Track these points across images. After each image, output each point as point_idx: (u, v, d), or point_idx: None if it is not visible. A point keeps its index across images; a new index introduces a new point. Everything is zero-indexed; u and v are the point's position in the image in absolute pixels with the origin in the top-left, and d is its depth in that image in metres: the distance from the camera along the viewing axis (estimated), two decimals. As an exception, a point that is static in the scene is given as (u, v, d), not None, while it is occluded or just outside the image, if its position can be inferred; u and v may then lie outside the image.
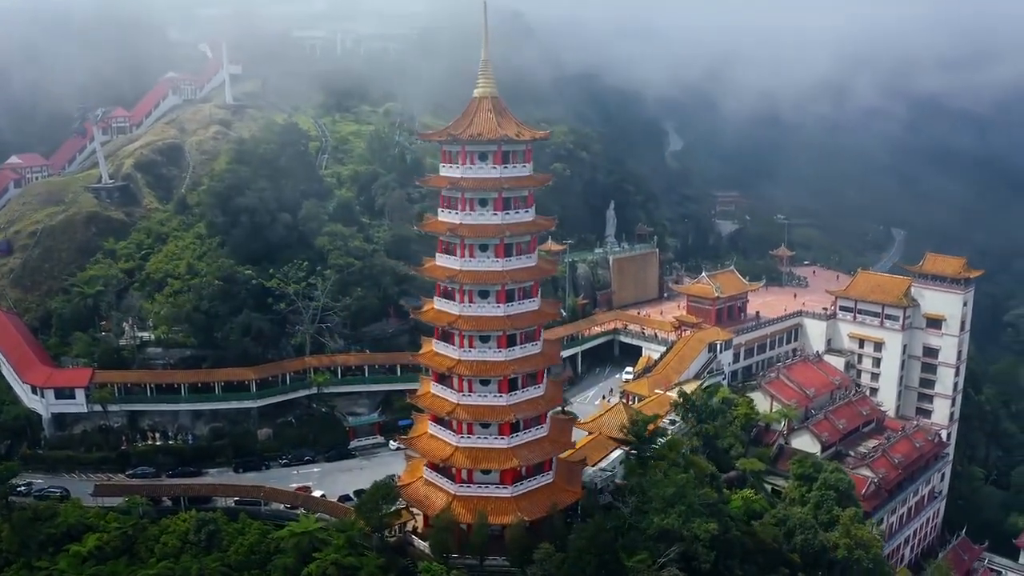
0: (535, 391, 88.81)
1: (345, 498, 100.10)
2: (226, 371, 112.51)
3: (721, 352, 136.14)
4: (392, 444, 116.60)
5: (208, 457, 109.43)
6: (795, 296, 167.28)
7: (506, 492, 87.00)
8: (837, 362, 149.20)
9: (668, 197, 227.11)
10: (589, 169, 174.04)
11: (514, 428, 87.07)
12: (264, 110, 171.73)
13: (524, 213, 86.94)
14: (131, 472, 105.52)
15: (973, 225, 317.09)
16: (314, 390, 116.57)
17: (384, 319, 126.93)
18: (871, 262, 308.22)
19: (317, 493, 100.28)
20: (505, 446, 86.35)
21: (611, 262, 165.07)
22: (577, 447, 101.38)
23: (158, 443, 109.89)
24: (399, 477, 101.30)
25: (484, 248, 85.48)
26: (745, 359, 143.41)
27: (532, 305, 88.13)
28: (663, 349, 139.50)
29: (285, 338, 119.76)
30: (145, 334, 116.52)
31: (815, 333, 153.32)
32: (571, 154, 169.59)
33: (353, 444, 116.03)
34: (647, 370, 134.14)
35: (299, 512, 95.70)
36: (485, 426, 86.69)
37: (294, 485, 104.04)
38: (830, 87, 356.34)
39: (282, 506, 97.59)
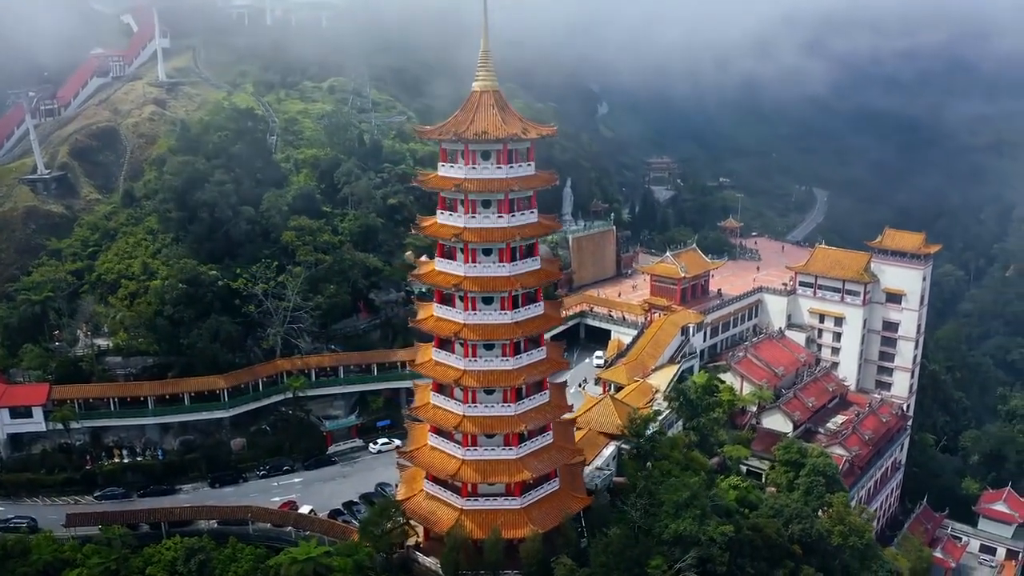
0: (541, 398, 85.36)
1: (336, 512, 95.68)
2: (195, 380, 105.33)
3: (694, 335, 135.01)
4: (372, 447, 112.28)
5: (180, 472, 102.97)
6: (758, 269, 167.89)
7: (516, 504, 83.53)
8: (798, 337, 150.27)
9: (608, 166, 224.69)
10: (545, 147, 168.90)
11: (521, 438, 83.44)
12: (199, 87, 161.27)
13: (530, 215, 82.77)
14: (99, 494, 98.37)
15: (895, 186, 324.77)
16: (288, 395, 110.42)
17: (354, 315, 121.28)
18: (795, 223, 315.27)
19: (305, 508, 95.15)
20: (514, 457, 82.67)
21: (570, 241, 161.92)
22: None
23: (125, 460, 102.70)
24: (396, 490, 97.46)
25: (488, 252, 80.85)
26: (711, 338, 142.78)
27: (537, 310, 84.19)
28: (633, 332, 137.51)
29: (252, 340, 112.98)
30: (102, 341, 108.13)
31: (776, 309, 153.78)
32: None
33: (332, 449, 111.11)
34: (620, 355, 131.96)
35: (289, 530, 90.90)
36: (490, 436, 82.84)
37: (276, 499, 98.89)
38: (753, 45, 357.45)
39: (269, 524, 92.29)
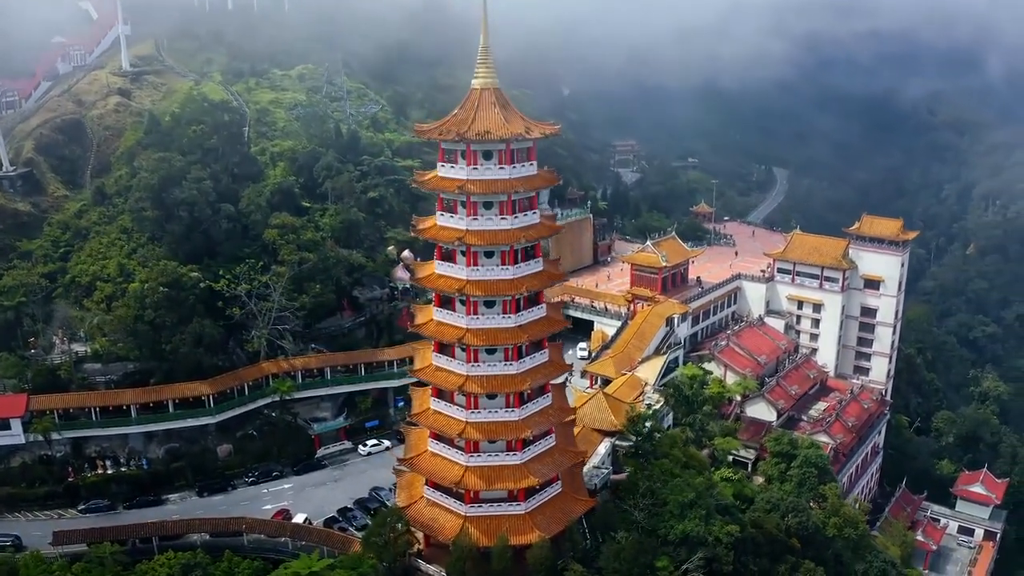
0: (544, 401, 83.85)
1: (331, 520, 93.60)
2: (179, 386, 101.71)
3: (678, 325, 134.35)
4: (362, 449, 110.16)
5: (166, 482, 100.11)
6: (736, 255, 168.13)
7: (520, 509, 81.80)
8: (777, 324, 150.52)
9: (579, 152, 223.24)
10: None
11: (526, 443, 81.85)
12: (164, 75, 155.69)
13: (532, 215, 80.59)
14: (84, 507, 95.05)
15: (855, 165, 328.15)
16: (275, 398, 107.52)
17: (338, 313, 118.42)
18: (756, 203, 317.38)
19: (299, 517, 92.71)
20: (518, 462, 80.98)
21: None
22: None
23: (109, 471, 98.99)
24: (390, 494, 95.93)
25: (490, 255, 78.73)
26: (692, 327, 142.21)
27: (540, 312, 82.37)
28: (616, 323, 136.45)
29: (235, 342, 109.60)
30: (79, 347, 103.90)
31: (754, 296, 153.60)
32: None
33: (320, 453, 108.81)
34: (604, 347, 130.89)
35: (285, 540, 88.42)
36: (493, 442, 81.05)
37: (268, 507, 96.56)
38: (715, 25, 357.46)
39: (263, 535, 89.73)
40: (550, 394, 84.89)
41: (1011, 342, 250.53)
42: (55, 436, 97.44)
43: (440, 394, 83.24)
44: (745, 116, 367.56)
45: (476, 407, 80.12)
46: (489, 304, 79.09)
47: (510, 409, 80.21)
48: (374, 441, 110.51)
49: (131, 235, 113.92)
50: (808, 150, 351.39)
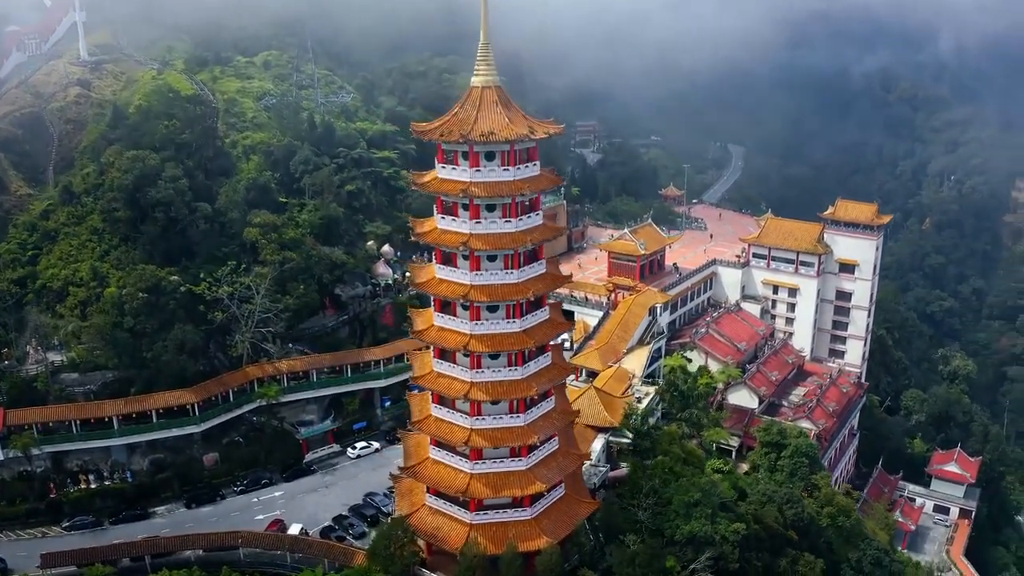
0: (547, 405, 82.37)
1: (328, 529, 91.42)
2: (162, 395, 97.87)
3: (661, 314, 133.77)
4: (351, 452, 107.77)
5: (152, 494, 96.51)
6: (711, 238, 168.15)
7: (526, 515, 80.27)
8: (753, 309, 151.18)
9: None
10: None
11: (531, 448, 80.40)
12: (122, 64, 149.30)
13: (535, 217, 78.92)
14: (68, 524, 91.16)
15: (811, 142, 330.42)
16: (260, 403, 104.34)
17: (320, 312, 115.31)
18: (713, 180, 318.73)
19: (295, 528, 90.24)
20: (524, 468, 79.51)
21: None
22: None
23: (93, 486, 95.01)
24: (384, 499, 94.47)
25: (493, 258, 76.76)
26: (671, 314, 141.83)
27: (544, 315, 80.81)
28: (596, 313, 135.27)
29: (215, 346, 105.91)
30: (54, 356, 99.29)
31: (730, 282, 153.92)
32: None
33: (309, 457, 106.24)
34: (587, 338, 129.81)
35: (281, 553, 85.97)
36: (497, 448, 79.44)
37: (260, 517, 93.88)
38: (670, 1, 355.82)
39: (259, 548, 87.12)
40: (553, 397, 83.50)
41: (968, 316, 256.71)
42: (34, 451, 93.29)
43: (441, 400, 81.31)
44: (701, 94, 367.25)
45: (480, 414, 78.32)
46: (492, 308, 77.20)
47: (515, 415, 78.48)
48: (363, 443, 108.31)
49: (103, 236, 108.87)
50: (764, 127, 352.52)
